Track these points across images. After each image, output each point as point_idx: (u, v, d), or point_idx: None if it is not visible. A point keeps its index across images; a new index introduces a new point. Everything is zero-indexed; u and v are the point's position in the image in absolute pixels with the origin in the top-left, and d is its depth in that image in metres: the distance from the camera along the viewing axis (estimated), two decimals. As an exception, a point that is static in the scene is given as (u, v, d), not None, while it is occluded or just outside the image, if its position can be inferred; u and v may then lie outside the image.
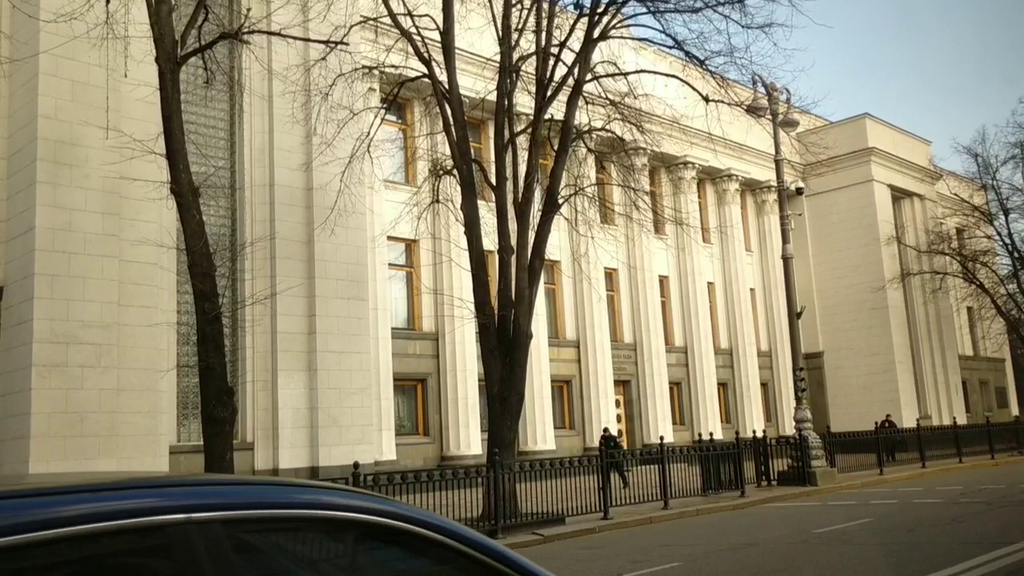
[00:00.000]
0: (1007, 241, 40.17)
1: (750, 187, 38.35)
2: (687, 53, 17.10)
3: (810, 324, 37.91)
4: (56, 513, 1.68)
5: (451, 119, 16.07)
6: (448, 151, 17.11)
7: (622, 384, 31.47)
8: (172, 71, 12.60)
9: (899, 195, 41.15)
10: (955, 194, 41.45)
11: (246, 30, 14.19)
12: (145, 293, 16.62)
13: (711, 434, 25.30)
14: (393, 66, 17.55)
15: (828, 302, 39.27)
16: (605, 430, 23.50)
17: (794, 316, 21.46)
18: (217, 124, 19.54)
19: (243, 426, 18.20)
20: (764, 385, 37.21)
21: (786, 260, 21.63)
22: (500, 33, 16.67)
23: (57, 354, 15.35)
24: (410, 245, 25.30)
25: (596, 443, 19.89)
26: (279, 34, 15.36)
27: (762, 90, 20.33)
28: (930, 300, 40.18)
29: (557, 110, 17.89)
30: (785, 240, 21.60)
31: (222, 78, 18.04)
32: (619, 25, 17.82)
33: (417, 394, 25.23)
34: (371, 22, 17.68)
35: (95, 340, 15.78)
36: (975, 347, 46.25)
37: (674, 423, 32.33)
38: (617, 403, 30.92)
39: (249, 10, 16.19)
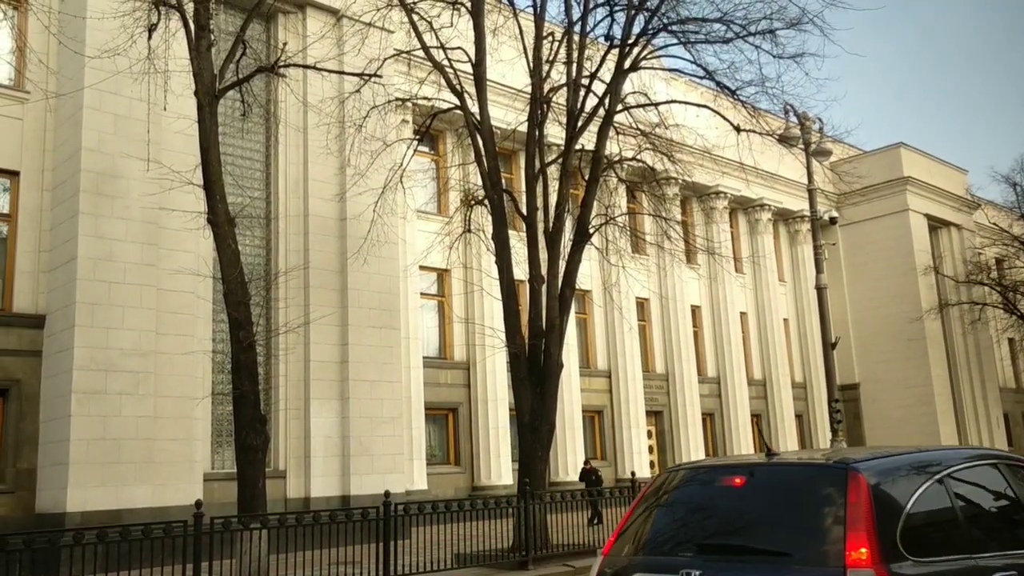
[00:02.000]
0: (1048, 271, 39.44)
1: (783, 216, 38.11)
2: (718, 83, 17.13)
3: (846, 355, 37.38)
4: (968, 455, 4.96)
5: (482, 150, 16.22)
6: (479, 181, 17.25)
7: (654, 415, 31.22)
8: (210, 104, 12.92)
9: (936, 224, 40.62)
10: (994, 223, 40.82)
11: (282, 64, 14.50)
12: (182, 322, 16.86)
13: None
14: (426, 98, 17.79)
15: (864, 333, 38.72)
16: (587, 462, 23.11)
17: (829, 347, 21.17)
18: (253, 155, 19.89)
19: (276, 454, 18.31)
20: (799, 417, 36.68)
21: (820, 290, 21.38)
22: (531, 65, 16.84)
23: (96, 382, 15.60)
24: (442, 274, 25.44)
25: (628, 474, 19.70)
26: (314, 67, 15.71)
27: (794, 119, 20.26)
28: (969, 331, 39.46)
29: (588, 140, 17.98)
30: (819, 270, 21.38)
31: (258, 111, 18.46)
32: (650, 56, 17.92)
33: (448, 423, 25.23)
34: (404, 55, 17.98)
35: (133, 368, 16.02)
36: (1017, 379, 45.28)
37: (707, 454, 31.94)
38: (649, 434, 30.67)
39: (285, 44, 16.54)
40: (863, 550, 3.88)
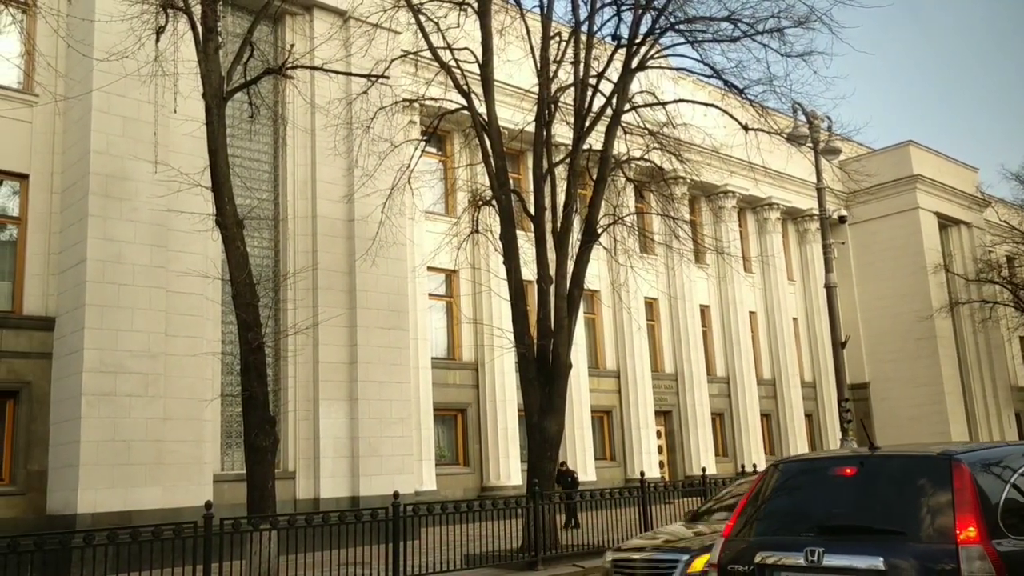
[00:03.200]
0: (1059, 269, 39.21)
1: (791, 215, 38.00)
2: (726, 82, 17.08)
3: (855, 354, 37.23)
4: None
5: (490, 150, 16.20)
6: (487, 182, 17.24)
7: (663, 415, 31.16)
8: (218, 106, 12.94)
9: (946, 223, 40.43)
10: (1004, 221, 40.61)
11: (290, 65, 14.51)
12: (191, 323, 16.90)
13: (754, 465, 24.89)
14: (433, 99, 17.80)
15: (874, 332, 38.56)
16: (562, 464, 22.47)
17: (839, 346, 21.05)
18: (261, 157, 19.92)
19: (285, 455, 18.32)
20: (809, 416, 36.56)
21: (829, 289, 21.27)
22: (538, 65, 16.82)
23: (106, 383, 15.64)
24: (450, 275, 25.44)
25: (638, 474, 19.61)
26: (322, 69, 15.71)
27: (802, 118, 20.16)
28: (980, 330, 39.26)
29: (596, 140, 17.96)
30: (828, 269, 21.26)
31: (266, 112, 18.48)
32: (657, 55, 17.89)
33: (457, 424, 25.23)
34: (411, 56, 17.97)
35: (142, 369, 16.06)
36: (1029, 378, 45.01)
37: (716, 454, 31.86)
38: (658, 434, 30.61)
39: (293, 46, 16.55)
40: (971, 529, 4.48)
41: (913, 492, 4.89)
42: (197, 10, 13.10)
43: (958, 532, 4.49)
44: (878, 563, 4.64)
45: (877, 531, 4.85)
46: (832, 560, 4.79)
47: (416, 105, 19.94)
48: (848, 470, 5.24)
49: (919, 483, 4.89)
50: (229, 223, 12.78)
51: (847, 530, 4.98)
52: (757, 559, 5.13)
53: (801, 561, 4.90)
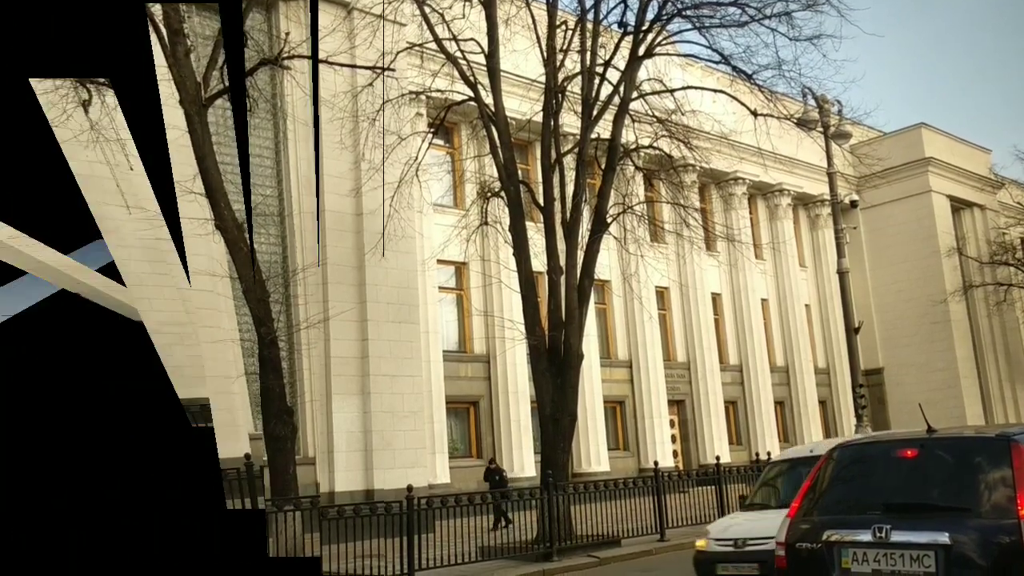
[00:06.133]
0: (1074, 250, 38.83)
1: (802, 201, 37.76)
2: (734, 68, 16.96)
3: (869, 340, 37.00)
4: None
5: (498, 141, 16.13)
6: (495, 173, 17.16)
7: (676, 404, 31.07)
8: (199, 113, 12.46)
9: (959, 205, 40.09)
10: (1018, 203, 40.23)
11: (286, 55, 14.25)
12: (205, 317, 16.80)
13: (769, 453, 24.76)
14: (439, 90, 17.70)
15: (887, 317, 38.32)
16: (491, 461, 21.91)
17: (852, 332, 20.92)
18: (263, 152, 19.76)
19: (304, 444, 18.40)
20: (823, 403, 36.40)
21: (842, 275, 21.14)
22: (545, 54, 16.72)
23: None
24: (460, 268, 25.39)
25: (651, 464, 19.59)
26: (325, 61, 15.57)
27: (812, 103, 19.99)
28: (994, 313, 38.96)
29: (604, 129, 17.85)
30: (840, 254, 21.11)
31: (265, 106, 18.31)
32: (664, 42, 17.75)
33: (469, 416, 25.22)
34: (417, 48, 17.88)
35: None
36: (1044, 360, 44.66)
37: (730, 443, 31.75)
38: (671, 423, 30.54)
39: (288, 34, 16.26)
40: None
41: (974, 471, 5.18)
42: (158, 11, 12.07)
43: (1020, 507, 4.75)
44: (943, 538, 4.88)
45: (942, 508, 5.12)
46: (899, 536, 5.01)
47: (422, 97, 19.86)
48: (909, 452, 5.49)
49: (979, 463, 5.18)
50: (229, 227, 12.63)
51: (912, 508, 5.22)
52: (824, 537, 5.33)
53: (869, 538, 5.11)
